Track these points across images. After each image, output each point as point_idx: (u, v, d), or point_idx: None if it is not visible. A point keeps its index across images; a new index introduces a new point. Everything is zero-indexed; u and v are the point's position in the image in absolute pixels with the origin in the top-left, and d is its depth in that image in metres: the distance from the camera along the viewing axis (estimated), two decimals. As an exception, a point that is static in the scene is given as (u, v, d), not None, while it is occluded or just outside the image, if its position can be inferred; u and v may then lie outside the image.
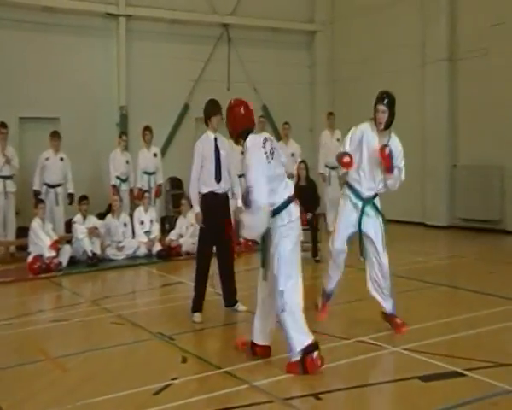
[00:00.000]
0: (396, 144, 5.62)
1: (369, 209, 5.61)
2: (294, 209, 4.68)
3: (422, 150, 12.78)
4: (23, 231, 10.26)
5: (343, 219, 5.68)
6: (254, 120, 4.99)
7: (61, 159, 10.71)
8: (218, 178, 6.29)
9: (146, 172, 11.12)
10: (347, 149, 5.59)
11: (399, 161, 5.63)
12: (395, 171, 5.57)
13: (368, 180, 5.59)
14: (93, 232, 9.51)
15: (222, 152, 6.35)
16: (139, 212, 10.47)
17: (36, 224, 9.04)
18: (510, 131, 11.25)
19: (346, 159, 5.50)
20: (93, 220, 9.81)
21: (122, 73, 13.08)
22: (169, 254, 9.85)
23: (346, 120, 13.92)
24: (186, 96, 13.79)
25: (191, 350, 5.19)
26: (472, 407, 3.94)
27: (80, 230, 9.47)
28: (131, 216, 10.51)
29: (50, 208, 10.30)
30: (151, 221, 10.45)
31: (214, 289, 6.90)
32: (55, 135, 10.71)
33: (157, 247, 10.11)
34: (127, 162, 11.28)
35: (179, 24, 13.75)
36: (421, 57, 13.05)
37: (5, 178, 10.27)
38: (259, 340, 4.89)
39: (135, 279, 9.15)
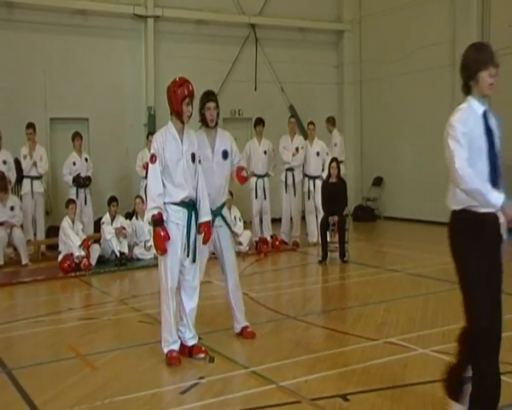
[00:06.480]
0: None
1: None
2: None
3: (452, 150, 12.52)
4: (53, 231, 10.44)
5: None
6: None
7: (86, 159, 10.92)
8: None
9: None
10: None
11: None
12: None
13: None
14: (120, 232, 9.60)
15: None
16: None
17: (66, 223, 9.16)
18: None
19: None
20: (120, 220, 9.91)
21: (150, 74, 13.19)
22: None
23: (374, 121, 13.91)
24: (213, 97, 13.78)
25: (218, 349, 5.20)
26: (506, 411, 3.86)
27: (108, 230, 9.58)
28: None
29: (80, 208, 10.44)
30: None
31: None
32: (78, 135, 10.87)
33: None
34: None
35: (206, 24, 13.82)
36: (452, 56, 12.82)
37: (33, 178, 10.45)
38: None
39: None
